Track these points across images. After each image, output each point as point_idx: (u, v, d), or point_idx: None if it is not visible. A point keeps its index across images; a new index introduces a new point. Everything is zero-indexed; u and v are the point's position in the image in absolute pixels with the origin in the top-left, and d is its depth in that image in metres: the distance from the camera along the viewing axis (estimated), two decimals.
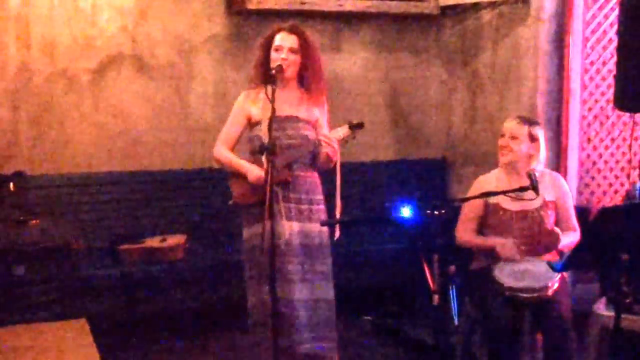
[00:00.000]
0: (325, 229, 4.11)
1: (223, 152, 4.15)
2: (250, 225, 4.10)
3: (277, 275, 3.77)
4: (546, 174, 4.30)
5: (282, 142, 3.97)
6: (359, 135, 4.15)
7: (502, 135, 4.24)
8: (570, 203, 4.30)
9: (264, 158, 3.92)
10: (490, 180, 4.32)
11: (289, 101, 4.04)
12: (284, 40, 4.00)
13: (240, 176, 4.06)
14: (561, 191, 4.28)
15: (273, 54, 3.99)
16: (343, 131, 3.93)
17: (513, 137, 4.19)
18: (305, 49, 4.01)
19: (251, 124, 4.11)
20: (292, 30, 4.02)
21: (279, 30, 4.03)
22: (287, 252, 4.00)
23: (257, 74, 4.09)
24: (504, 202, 4.17)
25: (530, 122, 4.27)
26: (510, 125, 4.22)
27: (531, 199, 4.04)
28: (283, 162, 3.93)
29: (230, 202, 4.17)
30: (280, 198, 3.98)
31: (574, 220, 4.27)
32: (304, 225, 4.06)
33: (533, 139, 4.20)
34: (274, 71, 3.88)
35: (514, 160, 4.18)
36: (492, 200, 4.19)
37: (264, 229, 3.55)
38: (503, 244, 4.11)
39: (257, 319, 4.10)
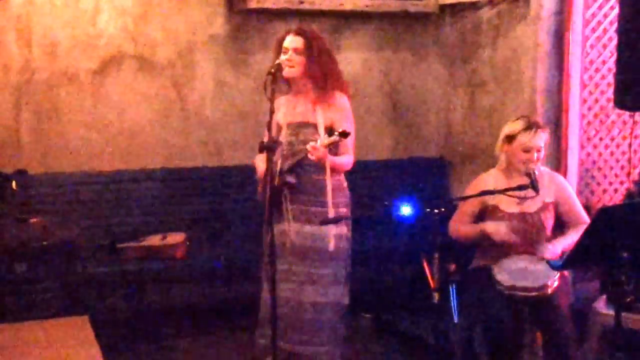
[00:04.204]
0: (330, 232, 4.14)
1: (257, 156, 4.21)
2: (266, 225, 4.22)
3: (283, 275, 3.95)
4: (545, 174, 4.26)
5: (295, 147, 4.09)
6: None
7: (528, 151, 4.12)
8: (573, 198, 4.26)
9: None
10: (488, 179, 4.29)
11: (304, 106, 4.14)
12: (290, 42, 4.08)
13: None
14: (561, 190, 4.25)
15: (281, 56, 4.07)
16: (329, 139, 3.90)
17: (539, 150, 4.14)
18: (310, 50, 4.06)
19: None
20: (298, 32, 4.11)
21: (287, 33, 4.13)
22: (292, 253, 4.09)
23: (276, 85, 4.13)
24: (503, 204, 4.14)
25: (543, 126, 4.22)
26: (537, 139, 4.11)
27: (532, 198, 4.06)
28: (287, 166, 4.02)
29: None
30: (288, 200, 4.07)
31: (582, 214, 4.23)
32: (312, 227, 4.11)
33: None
34: (272, 70, 3.91)
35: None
36: (491, 201, 4.17)
37: (271, 230, 3.73)
38: (497, 229, 4.10)
39: (260, 315, 4.23)
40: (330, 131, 3.92)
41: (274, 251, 3.74)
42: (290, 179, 4.03)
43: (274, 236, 3.75)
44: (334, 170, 4.10)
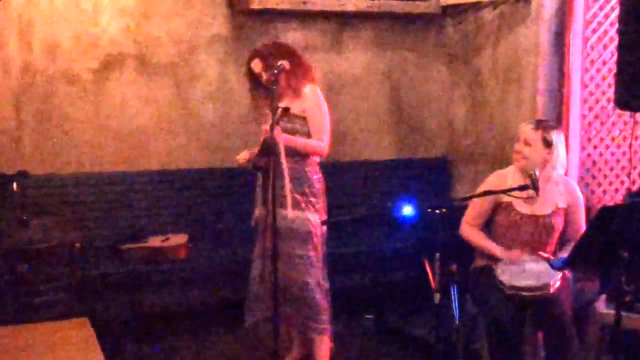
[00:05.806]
0: (308, 217, 4.33)
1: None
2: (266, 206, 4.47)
3: (267, 253, 4.20)
4: (561, 181, 4.26)
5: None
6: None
7: (518, 140, 4.20)
8: (581, 211, 4.28)
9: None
10: (505, 176, 4.28)
11: (282, 100, 4.32)
12: (255, 67, 4.36)
13: None
14: (574, 199, 4.26)
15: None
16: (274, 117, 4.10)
17: (527, 143, 4.14)
18: (266, 61, 4.31)
19: None
20: (252, 57, 4.40)
21: (248, 62, 4.43)
22: (268, 233, 4.24)
23: (256, 97, 4.51)
24: (517, 203, 4.13)
25: (545, 126, 4.19)
26: (525, 130, 4.16)
27: (544, 201, 4.07)
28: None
29: None
30: (260, 183, 4.35)
31: (583, 228, 4.25)
32: (293, 211, 4.29)
33: (547, 144, 4.14)
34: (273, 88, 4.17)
35: (527, 166, 4.10)
36: (505, 199, 4.16)
37: (267, 213, 4.09)
38: (512, 259, 4.11)
39: (250, 290, 4.52)
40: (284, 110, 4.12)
41: (274, 232, 3.94)
42: (259, 162, 4.21)
43: (273, 219, 3.95)
44: (300, 151, 4.30)
